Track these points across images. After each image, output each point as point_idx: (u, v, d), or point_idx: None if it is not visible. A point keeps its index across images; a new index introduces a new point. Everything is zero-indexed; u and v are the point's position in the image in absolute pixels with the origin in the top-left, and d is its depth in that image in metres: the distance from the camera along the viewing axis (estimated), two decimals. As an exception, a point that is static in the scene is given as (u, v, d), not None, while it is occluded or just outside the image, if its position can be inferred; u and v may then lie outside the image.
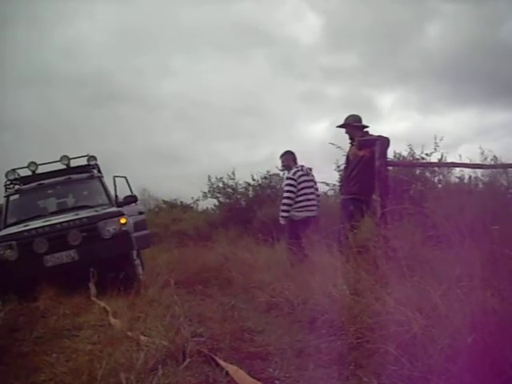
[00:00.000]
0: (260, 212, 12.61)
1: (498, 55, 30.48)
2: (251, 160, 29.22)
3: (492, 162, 8.37)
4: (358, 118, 6.12)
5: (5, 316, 4.88)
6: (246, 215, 13.22)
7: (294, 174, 7.06)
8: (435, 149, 9.93)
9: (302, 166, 7.19)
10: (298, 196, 6.97)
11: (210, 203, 16.56)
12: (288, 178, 7.17)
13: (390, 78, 38.20)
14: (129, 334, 3.61)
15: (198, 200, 17.24)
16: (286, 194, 7.03)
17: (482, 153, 8.59)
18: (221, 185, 14.79)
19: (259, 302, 5.10)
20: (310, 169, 7.36)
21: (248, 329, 4.01)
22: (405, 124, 35.94)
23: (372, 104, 37.41)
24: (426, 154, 10.15)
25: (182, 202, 18.64)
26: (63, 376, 2.78)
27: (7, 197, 8.76)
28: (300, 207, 6.98)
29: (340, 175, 10.16)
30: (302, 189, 7.01)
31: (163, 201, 19.12)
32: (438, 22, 35.02)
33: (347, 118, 6.12)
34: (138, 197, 10.06)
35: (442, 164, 8.63)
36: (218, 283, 7.10)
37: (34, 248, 7.00)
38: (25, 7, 30.90)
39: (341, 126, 6.17)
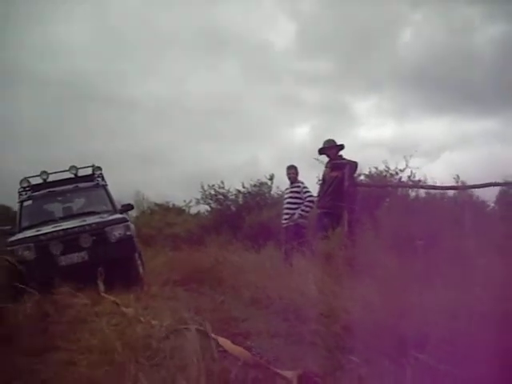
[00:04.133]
0: (249, 218, 13.61)
1: (470, 63, 31.40)
2: (234, 163, 29.72)
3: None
4: (334, 142, 7.19)
5: (33, 306, 5.79)
6: (236, 221, 14.17)
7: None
8: (406, 165, 10.99)
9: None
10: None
11: (201, 207, 17.56)
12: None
13: (364, 84, 38.88)
14: (141, 319, 4.58)
15: (190, 203, 18.26)
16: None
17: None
18: (212, 192, 15.77)
19: (244, 298, 6.07)
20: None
21: (234, 317, 4.98)
22: (382, 130, 36.73)
23: (348, 110, 38.22)
24: (400, 170, 11.24)
25: (174, 205, 19.43)
26: (99, 344, 3.75)
27: (21, 202, 9.54)
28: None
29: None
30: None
31: (155, 204, 19.91)
32: (409, 29, 35.89)
33: (326, 142, 7.18)
34: (132, 199, 10.99)
35: (401, 185, 9.71)
36: (210, 282, 8.01)
37: (50, 249, 7.78)
38: (2, 7, 30.95)
39: (320, 150, 7.24)
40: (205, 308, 5.43)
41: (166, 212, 18.68)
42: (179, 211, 18.83)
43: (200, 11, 37.40)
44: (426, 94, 35.04)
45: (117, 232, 8.13)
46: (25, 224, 9.05)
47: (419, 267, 4.18)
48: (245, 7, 39.38)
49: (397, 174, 11.23)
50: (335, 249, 5.44)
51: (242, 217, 14.15)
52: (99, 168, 10.10)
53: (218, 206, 15.60)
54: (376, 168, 11.60)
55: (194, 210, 18.59)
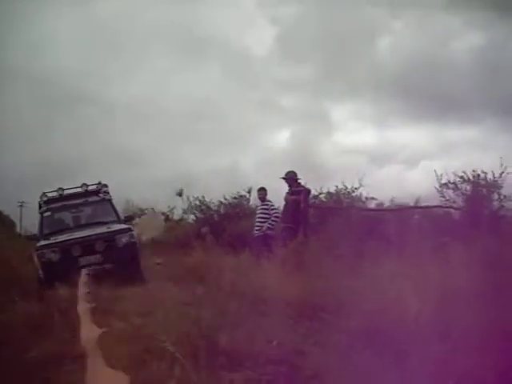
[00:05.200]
0: (229, 227, 15.69)
1: (450, 71, 32.55)
2: (215, 167, 30.46)
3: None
4: (294, 174, 9.38)
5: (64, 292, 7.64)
6: (218, 229, 16.19)
7: None
8: (360, 184, 13.17)
9: None
10: None
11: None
12: None
13: (342, 90, 40.02)
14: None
15: (173, 209, 20.12)
16: None
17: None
18: (197, 203, 17.87)
19: (224, 290, 8.14)
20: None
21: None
22: (362, 136, 37.95)
23: (328, 116, 39.34)
24: (356, 188, 13.43)
25: (162, 212, 20.72)
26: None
27: (41, 213, 11.42)
28: None
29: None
30: None
31: (140, 209, 21.30)
32: (388, 36, 37.13)
33: (287, 174, 9.37)
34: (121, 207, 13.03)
35: (347, 207, 11.97)
36: (196, 279, 10.03)
37: (72, 252, 9.84)
38: None
39: (283, 178, 9.42)
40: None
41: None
42: (165, 217, 20.60)
43: (182, 15, 38.19)
44: (407, 102, 36.01)
45: (124, 239, 10.18)
46: (46, 231, 10.99)
47: (338, 265, 6.35)
48: (226, 12, 40.19)
49: (353, 191, 13.45)
50: (290, 254, 7.62)
51: (224, 225, 16.20)
52: (105, 185, 11.93)
53: (202, 216, 17.65)
54: (336, 186, 13.81)
55: (176, 216, 20.31)
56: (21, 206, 29.38)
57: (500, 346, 3.53)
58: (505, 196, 10.16)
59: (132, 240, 10.37)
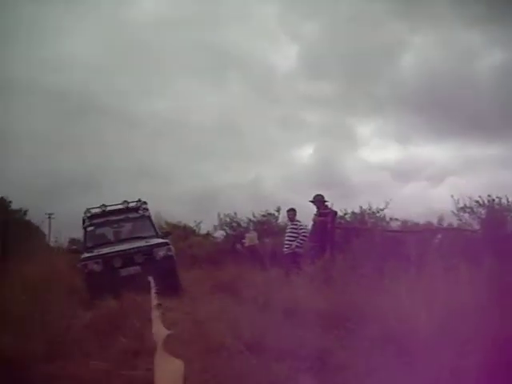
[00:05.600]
0: (259, 243, 16.54)
1: (472, 88, 32.37)
2: (237, 182, 30.90)
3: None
4: (321, 197, 10.24)
5: (111, 304, 8.40)
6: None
7: None
8: (385, 206, 13.98)
9: None
10: None
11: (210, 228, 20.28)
12: None
13: (367, 106, 40.09)
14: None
15: (200, 223, 20.87)
16: None
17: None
18: (228, 220, 18.82)
19: (258, 302, 9.00)
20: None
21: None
22: (385, 153, 37.99)
23: (351, 132, 39.47)
24: (380, 210, 14.24)
25: (185, 225, 21.31)
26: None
27: (85, 228, 12.19)
28: None
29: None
30: None
31: (166, 222, 22.17)
32: (410, 53, 36.98)
33: (315, 197, 10.23)
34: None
35: (371, 228, 12.78)
36: (230, 293, 10.89)
37: (114, 264, 10.58)
38: (19, 19, 31.78)
39: (311, 201, 10.29)
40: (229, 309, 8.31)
41: (181, 232, 20.96)
42: (191, 231, 21.12)
43: (204, 32, 38.48)
44: (430, 119, 35.48)
45: (161, 252, 10.93)
46: (89, 244, 11.77)
47: (362, 281, 7.18)
48: (248, 29, 40.35)
49: (377, 212, 14.26)
50: (318, 270, 8.48)
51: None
52: (145, 202, 12.68)
53: (233, 232, 18.58)
54: (361, 207, 14.64)
55: (202, 231, 21.00)
56: (49, 217, 30.05)
57: (497, 353, 4.30)
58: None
59: (169, 253, 11.07)
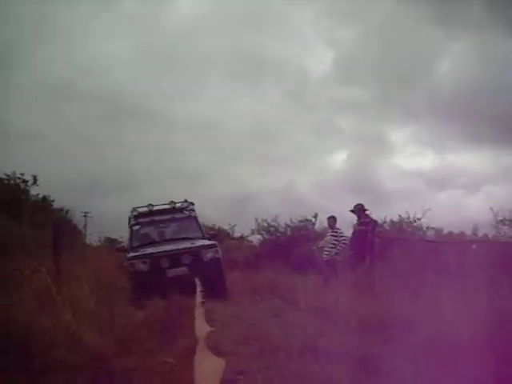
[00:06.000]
0: (296, 249, 16.85)
1: (509, 96, 31.67)
2: (271, 187, 31.10)
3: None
4: (362, 206, 10.49)
5: (160, 304, 8.71)
6: (285, 250, 17.38)
7: None
8: (423, 215, 14.14)
9: None
10: None
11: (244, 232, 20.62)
12: None
13: (400, 113, 39.63)
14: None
15: (234, 226, 21.38)
16: None
17: None
18: (265, 224, 19.15)
19: (297, 306, 9.30)
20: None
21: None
22: (420, 160, 37.53)
23: (385, 138, 39.11)
24: (418, 219, 14.40)
25: (219, 228, 21.29)
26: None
27: (131, 227, 12.13)
28: None
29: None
30: None
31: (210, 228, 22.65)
32: (446, 60, 36.55)
33: (356, 206, 10.50)
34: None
35: (410, 238, 12.96)
36: (269, 296, 11.19)
37: (161, 264, 10.48)
38: (49, 22, 32.15)
39: (352, 211, 10.56)
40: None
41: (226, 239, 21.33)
42: (226, 234, 21.48)
43: (240, 37, 39.00)
44: (465, 125, 35.22)
45: (209, 254, 10.80)
46: (135, 244, 11.76)
47: (402, 290, 7.43)
48: (283, 34, 40.66)
49: (415, 221, 14.43)
50: (359, 278, 8.76)
51: (290, 247, 17.39)
52: (192, 203, 12.67)
53: (270, 237, 18.90)
54: (400, 215, 14.83)
55: (236, 234, 21.51)
56: (85, 216, 30.45)
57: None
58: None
59: (217, 256, 10.91)
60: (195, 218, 12.56)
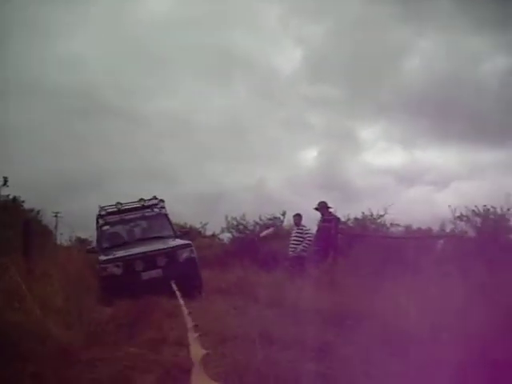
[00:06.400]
0: (264, 247, 17.14)
1: (478, 92, 32.59)
2: (242, 184, 31.27)
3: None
4: (325, 204, 10.84)
5: (128, 304, 8.78)
6: (254, 248, 17.64)
7: None
8: (385, 212, 14.58)
9: None
10: None
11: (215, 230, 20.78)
12: None
13: (370, 110, 40.32)
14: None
15: (206, 224, 21.46)
16: None
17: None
18: (235, 223, 19.40)
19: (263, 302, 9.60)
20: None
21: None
22: (390, 156, 38.26)
23: (355, 135, 39.82)
24: (381, 216, 14.83)
25: (191, 227, 21.29)
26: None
27: (100, 227, 11.70)
28: None
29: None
30: None
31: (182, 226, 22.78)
32: (415, 56, 37.30)
33: (319, 204, 10.83)
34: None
35: (371, 234, 13.40)
36: (237, 293, 11.45)
37: (135, 267, 10.03)
38: (25, 19, 31.78)
39: (316, 208, 10.90)
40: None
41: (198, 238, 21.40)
42: (197, 233, 21.47)
43: (209, 34, 39.16)
44: (435, 122, 35.66)
45: (184, 254, 10.45)
46: (105, 245, 11.32)
47: (361, 283, 7.79)
48: (253, 31, 41.08)
49: (378, 218, 14.86)
50: (321, 273, 9.09)
51: (259, 245, 17.66)
52: (162, 200, 12.40)
53: (239, 235, 19.16)
54: (363, 213, 15.27)
55: (208, 232, 21.52)
56: (55, 216, 30.09)
57: (482, 350, 4.88)
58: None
59: (192, 255, 10.62)
60: (166, 215, 12.32)
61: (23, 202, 22.36)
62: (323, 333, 5.58)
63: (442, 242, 12.87)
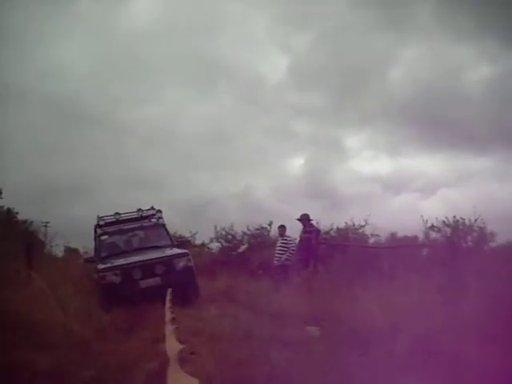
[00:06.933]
0: (252, 256, 17.86)
1: (462, 101, 33.30)
2: (228, 192, 31.37)
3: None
4: (307, 216, 11.69)
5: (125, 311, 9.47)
6: (242, 257, 18.32)
7: None
8: (365, 222, 15.41)
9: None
10: None
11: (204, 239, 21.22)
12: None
13: (356, 118, 40.78)
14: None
15: (195, 234, 21.84)
16: None
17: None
18: (224, 233, 20.12)
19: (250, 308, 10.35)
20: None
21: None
22: (376, 164, 38.92)
23: (341, 143, 40.14)
24: (362, 226, 15.66)
25: (180, 236, 22.66)
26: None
27: (98, 236, 11.80)
28: None
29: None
30: None
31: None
32: (399, 65, 37.86)
33: (302, 216, 11.69)
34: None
35: (350, 244, 14.27)
36: (226, 300, 12.17)
37: (133, 275, 10.21)
38: (13, 26, 31.84)
39: (298, 220, 11.74)
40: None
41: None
42: (187, 242, 22.30)
43: (194, 42, 39.28)
44: (419, 131, 36.33)
45: (182, 263, 10.70)
46: (103, 254, 11.43)
47: (337, 290, 8.62)
48: (238, 39, 41.25)
49: (360, 228, 15.70)
50: (302, 281, 9.93)
51: (247, 254, 18.38)
52: (160, 211, 12.56)
53: (228, 244, 19.86)
54: (346, 223, 16.10)
55: (197, 241, 21.47)
56: (45, 226, 30.28)
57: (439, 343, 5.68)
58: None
59: (189, 264, 10.84)
60: (163, 225, 12.44)
61: (17, 213, 23.01)
62: (298, 331, 6.39)
63: (424, 250, 13.72)
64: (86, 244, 14.85)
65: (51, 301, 5.68)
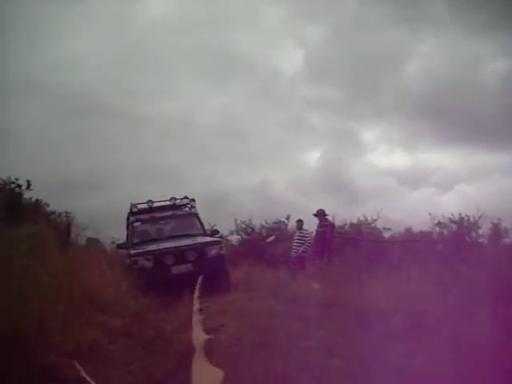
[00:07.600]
0: (270, 248, 18.82)
1: (479, 95, 32.83)
2: (245, 186, 30.95)
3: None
4: (322, 211, 12.69)
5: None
6: (261, 249, 19.29)
7: None
8: (378, 216, 16.29)
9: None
10: None
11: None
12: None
13: (373, 111, 39.87)
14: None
15: (214, 226, 22.57)
16: None
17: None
18: (243, 226, 21.10)
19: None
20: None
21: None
22: (392, 158, 38.83)
23: (357, 137, 39.60)
24: (375, 220, 16.55)
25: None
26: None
27: (131, 223, 11.94)
28: None
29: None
30: None
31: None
32: (416, 59, 36.49)
33: (318, 211, 12.70)
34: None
35: (363, 238, 15.23)
36: (245, 288, 13.10)
37: (165, 261, 10.41)
38: (25, 19, 32.34)
39: (314, 215, 12.74)
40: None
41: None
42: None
43: (210, 34, 38.36)
44: (435, 125, 35.34)
45: (213, 251, 10.85)
46: (136, 241, 11.61)
47: (350, 279, 9.61)
48: (254, 32, 40.36)
49: (372, 223, 16.61)
50: (317, 271, 10.94)
51: (265, 246, 19.33)
52: (193, 199, 12.71)
53: (248, 237, 20.83)
54: (358, 218, 17.01)
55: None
56: (66, 216, 30.81)
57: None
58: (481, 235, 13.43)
59: (221, 252, 11.02)
60: (196, 214, 12.53)
61: (46, 204, 24.10)
62: (311, 314, 7.42)
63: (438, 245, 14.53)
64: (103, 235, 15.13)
65: (111, 280, 6.74)
